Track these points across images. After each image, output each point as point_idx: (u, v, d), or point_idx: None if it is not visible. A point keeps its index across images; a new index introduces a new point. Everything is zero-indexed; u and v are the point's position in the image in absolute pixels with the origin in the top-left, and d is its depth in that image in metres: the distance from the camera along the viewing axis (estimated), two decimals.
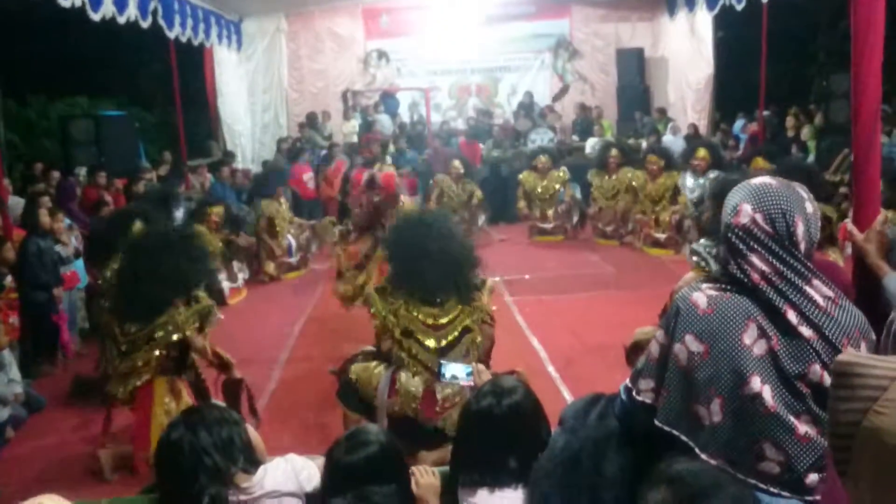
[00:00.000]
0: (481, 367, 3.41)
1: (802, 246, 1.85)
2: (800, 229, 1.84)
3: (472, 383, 3.33)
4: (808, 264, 1.85)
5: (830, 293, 1.84)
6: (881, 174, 2.50)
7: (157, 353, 4.42)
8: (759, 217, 1.84)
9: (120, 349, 4.53)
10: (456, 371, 3.46)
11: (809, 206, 1.87)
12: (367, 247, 6.26)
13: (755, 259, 1.84)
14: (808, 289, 1.83)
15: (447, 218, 4.67)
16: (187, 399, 4.49)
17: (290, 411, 5.39)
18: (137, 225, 5.64)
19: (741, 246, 1.86)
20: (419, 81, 15.11)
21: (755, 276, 1.84)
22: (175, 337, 4.40)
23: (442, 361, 3.72)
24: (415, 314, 4.25)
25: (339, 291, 6.32)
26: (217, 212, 8.53)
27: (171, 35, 9.76)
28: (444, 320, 4.25)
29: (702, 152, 9.83)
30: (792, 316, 1.81)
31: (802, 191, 1.90)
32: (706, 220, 8.25)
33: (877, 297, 2.18)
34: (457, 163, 10.74)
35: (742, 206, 1.87)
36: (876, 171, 2.46)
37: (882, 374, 1.06)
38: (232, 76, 13.85)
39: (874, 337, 1.87)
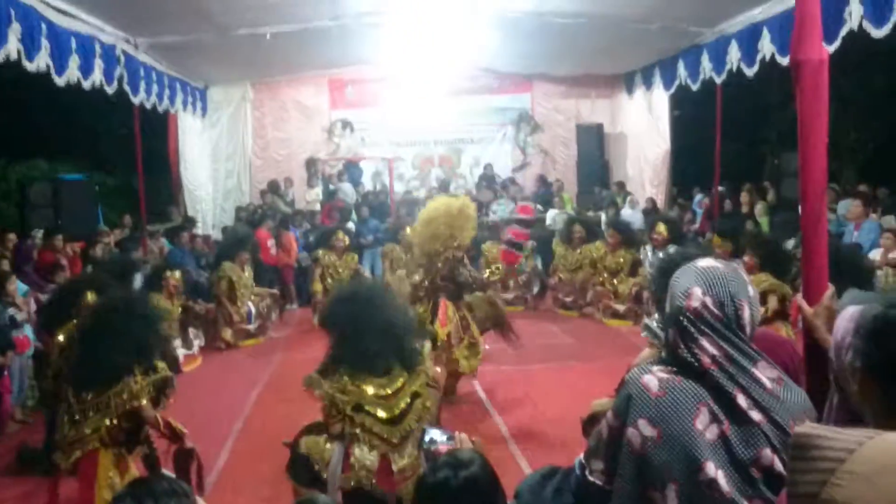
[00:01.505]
0: (464, 436, 3.36)
1: (748, 329, 1.87)
2: (746, 313, 1.86)
3: (452, 447, 3.29)
4: (754, 347, 1.87)
5: (775, 374, 1.86)
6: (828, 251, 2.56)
7: (108, 421, 4.29)
8: (708, 300, 1.85)
9: (73, 417, 4.39)
10: (435, 436, 3.44)
11: (751, 290, 1.90)
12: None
13: (706, 343, 1.84)
14: (755, 371, 1.84)
15: (381, 289, 4.78)
16: (134, 473, 4.33)
17: (243, 483, 5.25)
18: (90, 294, 5.40)
19: (692, 329, 1.86)
20: (383, 151, 15.26)
21: (706, 360, 1.84)
22: (128, 406, 4.29)
23: (425, 427, 3.68)
24: (362, 387, 4.19)
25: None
26: (175, 277, 8.43)
27: (136, 101, 9.69)
28: (390, 390, 4.23)
29: (661, 227, 10.01)
30: (742, 400, 1.81)
31: (744, 273, 1.93)
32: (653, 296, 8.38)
33: (825, 372, 2.22)
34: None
35: (693, 290, 1.87)
36: (823, 248, 2.51)
37: (840, 446, 1.07)
38: (195, 142, 13.85)
39: (816, 414, 1.89)
